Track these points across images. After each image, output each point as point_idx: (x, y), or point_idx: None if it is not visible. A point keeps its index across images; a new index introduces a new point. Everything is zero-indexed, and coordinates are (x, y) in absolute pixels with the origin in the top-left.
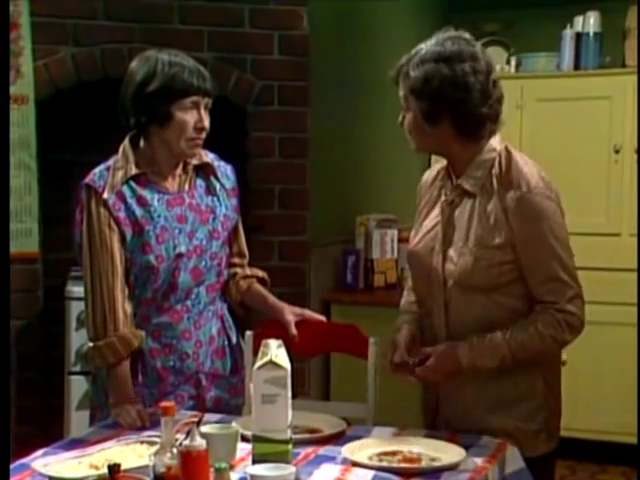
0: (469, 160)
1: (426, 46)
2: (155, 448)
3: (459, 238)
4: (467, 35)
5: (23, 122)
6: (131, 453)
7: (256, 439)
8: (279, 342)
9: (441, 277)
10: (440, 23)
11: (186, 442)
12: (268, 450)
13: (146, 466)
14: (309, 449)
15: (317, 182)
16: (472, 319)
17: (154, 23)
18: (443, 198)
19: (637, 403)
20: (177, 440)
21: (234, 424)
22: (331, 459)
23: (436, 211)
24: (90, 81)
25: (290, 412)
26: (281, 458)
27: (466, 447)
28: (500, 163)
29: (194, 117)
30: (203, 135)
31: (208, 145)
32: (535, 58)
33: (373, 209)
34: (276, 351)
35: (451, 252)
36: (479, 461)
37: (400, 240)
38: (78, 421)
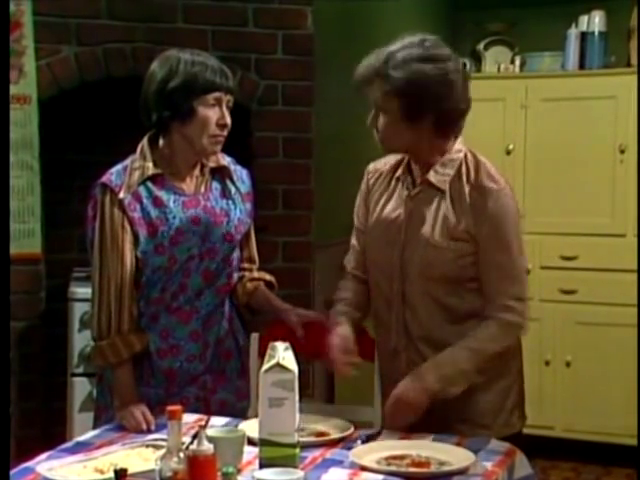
0: (437, 159)
1: (401, 49)
2: (161, 452)
3: (425, 231)
4: (434, 37)
5: (26, 122)
6: (136, 457)
7: (263, 443)
8: (286, 345)
9: (398, 268)
10: (444, 22)
11: (193, 446)
12: (275, 454)
13: (152, 470)
14: (316, 453)
15: (321, 182)
16: (431, 311)
17: (157, 22)
18: (405, 192)
19: (637, 404)
20: (184, 444)
21: (240, 427)
22: (339, 463)
23: (394, 203)
24: (93, 81)
25: (298, 415)
26: (288, 462)
27: (474, 451)
28: (467, 163)
29: (217, 114)
30: (225, 132)
31: None
32: (540, 58)
33: None
34: (283, 354)
35: (415, 244)
36: (488, 465)
37: None
38: (81, 423)
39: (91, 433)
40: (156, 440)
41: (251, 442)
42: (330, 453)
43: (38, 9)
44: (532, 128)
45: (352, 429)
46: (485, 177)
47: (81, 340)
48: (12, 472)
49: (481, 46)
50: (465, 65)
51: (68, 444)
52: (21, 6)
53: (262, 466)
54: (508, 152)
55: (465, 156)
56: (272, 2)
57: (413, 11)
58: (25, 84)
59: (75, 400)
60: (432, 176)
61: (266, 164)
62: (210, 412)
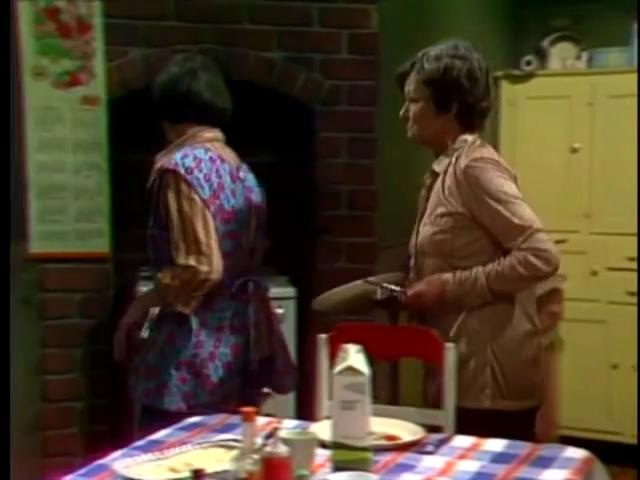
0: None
1: (435, 49)
2: (233, 452)
3: (427, 213)
4: (467, 42)
5: (95, 123)
6: (209, 457)
7: (335, 446)
8: (358, 347)
9: (414, 246)
10: (509, 19)
11: (268, 448)
12: (348, 457)
13: (225, 471)
14: (388, 457)
15: (385, 183)
16: None
17: (223, 23)
18: (424, 186)
19: (637, 404)
20: (258, 445)
21: (311, 429)
22: (411, 468)
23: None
24: None
25: (369, 419)
26: (361, 466)
27: (549, 459)
28: (463, 148)
29: None
30: None
31: (276, 146)
32: (606, 53)
33: None
34: (355, 356)
35: (420, 225)
36: (565, 473)
37: None
38: None
39: (163, 432)
40: (228, 440)
41: (322, 445)
42: (402, 457)
43: (108, 11)
44: (598, 126)
45: (423, 433)
46: (468, 156)
47: None
48: (86, 469)
49: (546, 43)
50: (488, 70)
51: (141, 442)
52: (91, 8)
53: (335, 469)
54: (574, 150)
55: (468, 145)
56: (337, 1)
57: (477, 9)
58: (95, 86)
59: None
60: (435, 164)
61: (330, 165)
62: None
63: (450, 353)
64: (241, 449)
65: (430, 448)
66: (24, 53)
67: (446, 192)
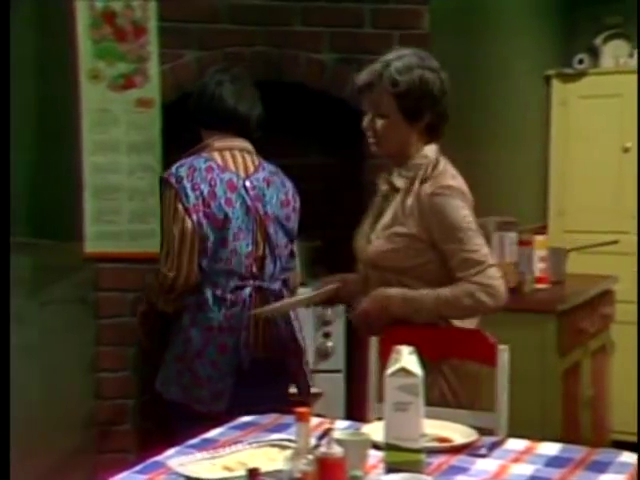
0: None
1: (398, 57)
2: (287, 452)
3: (381, 226)
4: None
5: (149, 125)
6: (263, 456)
7: (389, 447)
8: (411, 348)
9: (364, 257)
10: (561, 17)
11: (323, 448)
12: (400, 459)
13: (279, 470)
14: (441, 459)
15: None
16: None
17: (275, 25)
18: (379, 193)
19: (637, 403)
20: (311, 445)
21: (363, 430)
22: (464, 471)
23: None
24: None
25: (422, 420)
26: (414, 468)
27: (605, 464)
28: (427, 168)
29: None
30: None
31: (325, 146)
32: None
33: (492, 211)
34: (408, 358)
35: (372, 236)
36: (620, 478)
37: (520, 243)
38: None
39: (216, 430)
40: (282, 440)
41: (373, 446)
42: (455, 460)
43: (162, 15)
44: None
45: (475, 435)
46: (433, 180)
47: None
48: (141, 466)
49: (598, 41)
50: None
51: (195, 440)
52: (147, 12)
53: (388, 470)
54: (625, 150)
55: (430, 162)
56: (388, 2)
57: (529, 8)
58: (149, 88)
59: None
60: (395, 178)
61: (377, 165)
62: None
63: (503, 354)
64: (295, 449)
65: (483, 451)
66: (81, 56)
67: (406, 212)
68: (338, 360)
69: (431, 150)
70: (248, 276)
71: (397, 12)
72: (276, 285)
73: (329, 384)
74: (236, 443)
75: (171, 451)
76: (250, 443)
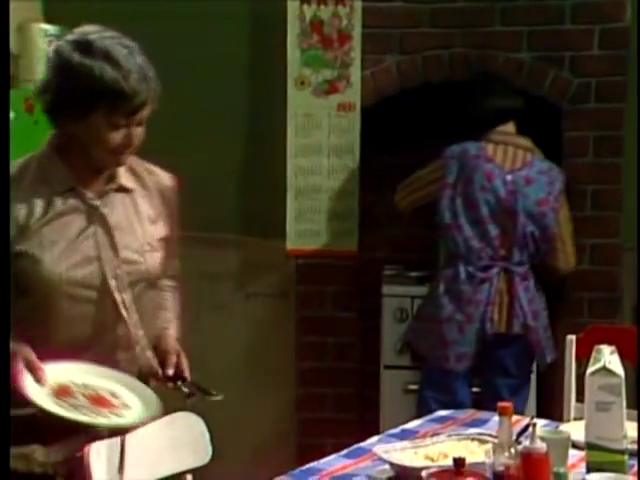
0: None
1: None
2: (486, 446)
3: (131, 240)
4: None
5: (349, 128)
6: (463, 449)
7: (590, 447)
8: (612, 348)
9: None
10: None
11: (526, 443)
12: (603, 459)
13: (480, 463)
14: None
15: (631, 182)
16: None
17: (475, 27)
18: (81, 202)
19: (637, 403)
20: (515, 440)
21: (562, 428)
22: None
23: (69, 218)
24: (411, 87)
25: (625, 421)
26: (617, 469)
27: None
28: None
29: None
30: None
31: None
32: None
33: None
34: (609, 357)
35: (126, 254)
36: None
37: None
38: (391, 413)
39: (415, 422)
40: (482, 435)
41: (572, 445)
42: None
43: (365, 22)
44: None
45: None
46: (155, 174)
47: (392, 335)
48: (347, 450)
49: None
50: None
51: (395, 430)
52: (352, 20)
53: (589, 470)
54: None
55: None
56: None
57: None
58: (350, 93)
59: (386, 390)
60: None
61: (575, 164)
62: None
63: None
64: (497, 443)
65: None
66: (290, 64)
67: (152, 215)
68: None
69: None
70: (497, 258)
71: (598, 6)
72: (521, 269)
73: None
74: (435, 435)
75: (373, 439)
76: (449, 435)
